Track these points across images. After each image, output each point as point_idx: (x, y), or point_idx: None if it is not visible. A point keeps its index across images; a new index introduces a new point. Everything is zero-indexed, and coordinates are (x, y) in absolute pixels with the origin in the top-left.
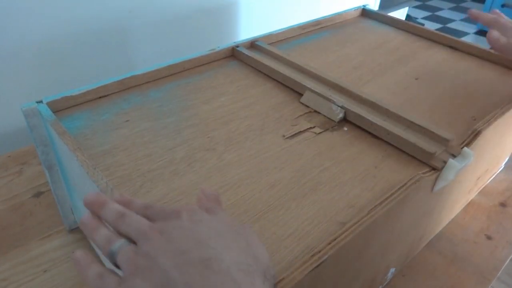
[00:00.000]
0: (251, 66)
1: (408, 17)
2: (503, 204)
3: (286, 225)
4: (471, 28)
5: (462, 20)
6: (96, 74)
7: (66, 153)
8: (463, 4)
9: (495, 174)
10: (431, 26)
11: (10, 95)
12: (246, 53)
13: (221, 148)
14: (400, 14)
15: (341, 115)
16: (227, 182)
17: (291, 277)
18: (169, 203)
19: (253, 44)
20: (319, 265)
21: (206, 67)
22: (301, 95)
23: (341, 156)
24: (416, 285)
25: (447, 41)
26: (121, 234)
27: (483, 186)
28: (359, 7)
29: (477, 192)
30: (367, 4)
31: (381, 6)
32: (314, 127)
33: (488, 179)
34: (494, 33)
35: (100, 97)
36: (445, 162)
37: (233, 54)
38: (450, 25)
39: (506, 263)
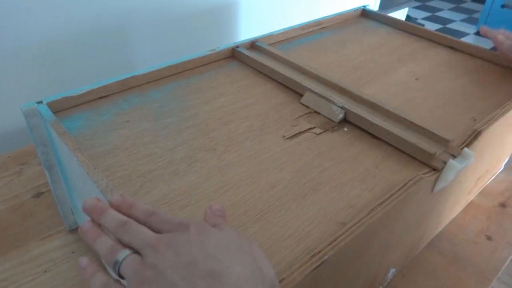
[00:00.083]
0: (251, 67)
1: (408, 17)
2: (503, 205)
3: (286, 226)
4: (471, 29)
5: (462, 20)
6: (96, 74)
7: (66, 154)
8: (463, 5)
9: (495, 175)
10: (431, 26)
11: (10, 95)
12: (246, 54)
13: (221, 148)
14: (400, 14)
15: (341, 116)
16: (227, 183)
17: (291, 277)
18: (169, 203)
19: (253, 45)
20: (319, 265)
21: (206, 67)
22: (301, 95)
23: (341, 157)
24: (416, 285)
25: (447, 41)
26: (122, 243)
27: (483, 187)
28: (359, 7)
29: (477, 193)
30: (367, 5)
31: (381, 6)
32: (314, 127)
33: (488, 180)
34: (500, 37)
35: (100, 98)
36: (445, 163)
37: (233, 54)
38: (450, 25)
39: (506, 263)
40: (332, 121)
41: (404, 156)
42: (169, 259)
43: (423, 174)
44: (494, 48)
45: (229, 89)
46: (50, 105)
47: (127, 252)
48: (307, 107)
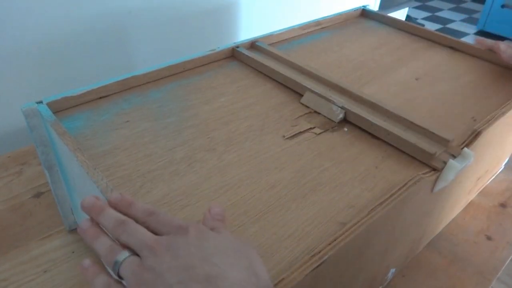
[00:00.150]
0: (251, 67)
1: (408, 17)
2: (503, 205)
3: (286, 226)
4: (471, 29)
5: (462, 20)
6: (96, 74)
7: (66, 154)
8: (463, 5)
9: (495, 175)
10: (431, 26)
11: (10, 95)
12: (246, 54)
13: (221, 148)
14: (400, 14)
15: (341, 116)
16: (227, 183)
17: (291, 277)
18: (169, 203)
19: (253, 45)
20: (319, 265)
21: (206, 67)
22: (301, 95)
23: (341, 157)
24: (416, 285)
25: (447, 41)
26: (120, 243)
27: (483, 187)
28: (359, 7)
29: (477, 193)
30: (367, 5)
31: (381, 6)
32: (314, 127)
33: (488, 180)
34: (502, 46)
35: (100, 98)
36: (445, 163)
37: (233, 54)
38: (450, 25)
39: (506, 263)
40: (332, 121)
41: (404, 156)
42: (167, 262)
43: (423, 174)
44: None
45: (229, 89)
46: (50, 105)
47: (126, 253)
48: (307, 107)
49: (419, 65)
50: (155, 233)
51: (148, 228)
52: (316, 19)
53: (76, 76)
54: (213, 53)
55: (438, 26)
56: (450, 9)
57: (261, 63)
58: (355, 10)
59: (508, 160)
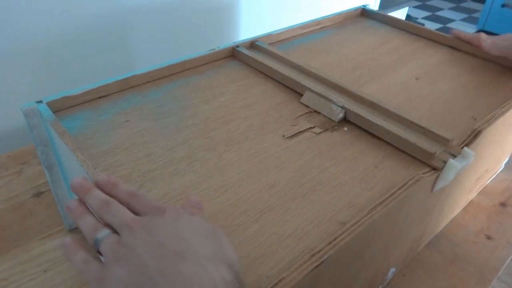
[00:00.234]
0: (251, 66)
1: (408, 17)
2: (503, 204)
3: (286, 225)
4: (471, 28)
5: (462, 20)
6: (96, 74)
7: (66, 153)
8: (463, 4)
9: (495, 174)
10: (431, 26)
11: (10, 95)
12: (246, 53)
13: (221, 148)
14: (400, 14)
15: (341, 115)
16: (227, 182)
17: (291, 277)
18: (169, 202)
19: (253, 44)
20: (319, 265)
21: (206, 67)
22: (301, 95)
23: (341, 156)
24: (416, 285)
25: (447, 41)
26: (103, 222)
27: (483, 186)
28: (359, 7)
29: (477, 192)
30: (367, 4)
31: (381, 6)
32: (314, 127)
33: (488, 179)
34: (482, 35)
35: (100, 97)
36: (445, 162)
37: (233, 54)
38: (450, 25)
39: (506, 263)
40: (332, 120)
41: (404, 156)
42: (142, 239)
43: (423, 173)
44: None
45: (229, 89)
46: (50, 104)
47: (107, 231)
48: (307, 106)
49: (419, 65)
50: (136, 213)
51: (130, 208)
52: (316, 18)
53: (76, 75)
54: (213, 52)
55: (438, 25)
56: (450, 9)
57: (261, 63)
58: (355, 9)
59: (508, 160)
